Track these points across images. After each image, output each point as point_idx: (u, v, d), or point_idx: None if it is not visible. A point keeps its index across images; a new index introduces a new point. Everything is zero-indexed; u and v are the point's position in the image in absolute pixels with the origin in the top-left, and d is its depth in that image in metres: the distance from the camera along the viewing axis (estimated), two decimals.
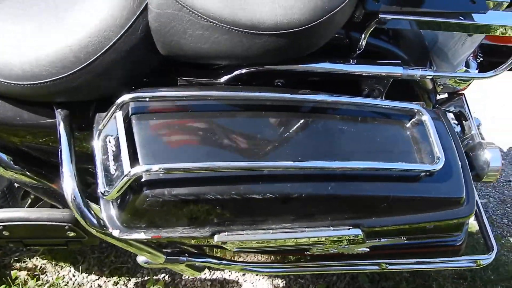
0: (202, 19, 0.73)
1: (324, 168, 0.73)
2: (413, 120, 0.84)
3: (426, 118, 0.83)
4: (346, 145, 0.78)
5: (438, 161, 0.78)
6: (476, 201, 0.96)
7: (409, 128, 0.84)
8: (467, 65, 1.07)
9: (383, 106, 0.84)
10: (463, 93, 1.14)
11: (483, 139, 1.47)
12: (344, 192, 0.76)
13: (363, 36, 0.86)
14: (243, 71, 0.85)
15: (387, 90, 1.01)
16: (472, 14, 0.87)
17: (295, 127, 0.78)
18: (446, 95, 1.17)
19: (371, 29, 0.85)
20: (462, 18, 0.87)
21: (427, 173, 0.79)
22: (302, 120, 0.79)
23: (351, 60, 0.91)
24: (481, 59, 1.12)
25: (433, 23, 0.85)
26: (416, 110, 0.83)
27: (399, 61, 0.92)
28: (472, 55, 1.11)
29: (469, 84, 1.12)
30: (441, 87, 1.12)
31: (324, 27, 0.75)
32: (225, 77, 0.87)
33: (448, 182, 0.81)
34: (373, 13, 0.82)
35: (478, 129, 1.45)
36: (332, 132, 0.79)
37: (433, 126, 0.82)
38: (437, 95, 1.16)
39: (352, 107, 0.84)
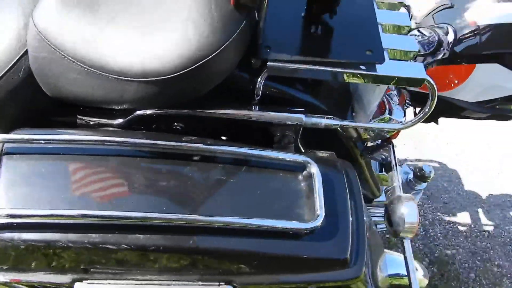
0: (74, 63, 0.73)
1: (184, 220, 0.70)
2: (303, 172, 0.81)
3: (314, 170, 0.79)
4: (219, 197, 0.75)
5: (316, 219, 0.74)
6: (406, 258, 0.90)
7: (297, 181, 0.80)
8: (391, 113, 1.03)
9: (271, 157, 0.81)
10: (392, 142, 1.09)
11: (415, 188, 1.42)
12: (212, 246, 0.73)
13: (258, 83, 0.84)
14: (137, 113, 0.85)
15: (317, 137, 0.99)
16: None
17: (167, 175, 0.76)
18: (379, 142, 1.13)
19: (265, 76, 0.84)
20: (363, 67, 0.84)
21: (306, 230, 0.74)
22: (176, 168, 0.77)
23: (254, 106, 0.89)
24: (409, 106, 1.08)
25: (327, 73, 0.82)
26: (303, 162, 0.80)
27: (303, 109, 0.89)
28: (399, 102, 1.07)
29: (397, 133, 1.08)
30: (372, 134, 1.08)
31: (198, 74, 0.74)
32: (121, 120, 0.86)
33: (332, 241, 0.76)
34: (263, 61, 0.81)
35: (426, 178, 1.39)
36: (206, 182, 0.76)
37: (320, 180, 0.78)
38: (368, 143, 1.12)
39: (240, 156, 0.81)
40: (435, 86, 0.88)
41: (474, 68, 0.95)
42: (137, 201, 0.72)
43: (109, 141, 0.76)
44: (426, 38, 1.01)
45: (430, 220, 1.78)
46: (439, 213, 1.80)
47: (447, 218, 1.79)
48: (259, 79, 0.84)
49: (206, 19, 0.73)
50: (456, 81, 0.98)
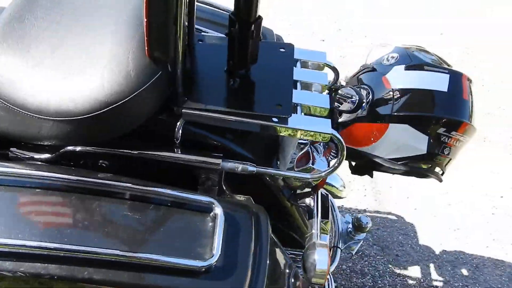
0: None
1: (80, 252, 0.75)
2: (210, 213, 0.86)
3: (218, 212, 0.84)
4: (121, 232, 0.80)
5: (211, 257, 0.78)
6: None
7: (203, 221, 0.85)
8: (313, 163, 1.08)
9: (179, 197, 0.86)
10: (317, 190, 1.14)
11: (354, 238, 1.45)
12: (107, 278, 0.76)
13: (177, 127, 0.91)
14: (67, 149, 0.91)
15: (247, 183, 1.04)
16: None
17: (75, 208, 0.81)
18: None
19: (182, 122, 0.90)
20: (275, 120, 0.91)
21: (201, 268, 0.78)
22: (85, 202, 0.82)
23: (175, 149, 0.95)
24: (334, 158, 1.13)
25: (238, 123, 0.89)
26: (208, 203, 0.85)
27: (221, 154, 0.95)
28: (323, 154, 1.13)
29: (322, 182, 1.13)
30: (298, 182, 1.13)
31: (110, 117, 0.81)
32: (50, 155, 0.93)
33: (227, 281, 0.80)
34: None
35: (363, 228, 1.43)
36: (111, 217, 0.81)
37: (222, 221, 0.82)
38: (298, 190, 1.17)
39: (150, 194, 0.86)
40: (342, 140, 0.94)
41: (388, 127, 1.02)
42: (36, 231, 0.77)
43: (26, 174, 0.82)
44: (350, 96, 1.08)
45: (381, 271, 1.79)
46: (390, 265, 1.81)
47: (398, 271, 1.80)
48: (178, 124, 0.91)
49: (122, 68, 0.81)
50: (373, 138, 1.04)
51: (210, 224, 0.84)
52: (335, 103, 1.10)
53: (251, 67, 0.95)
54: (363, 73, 1.10)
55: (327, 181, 1.42)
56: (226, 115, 0.88)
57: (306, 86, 1.02)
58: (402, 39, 1.32)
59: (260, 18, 0.86)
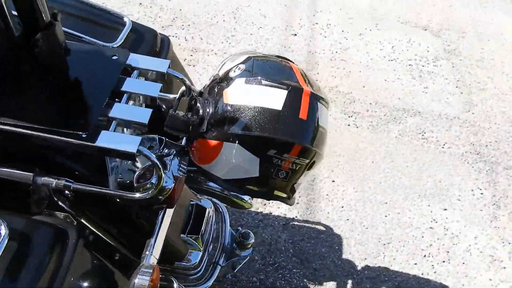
0: None
1: None
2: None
3: (3, 232, 0.80)
4: None
5: None
6: None
7: None
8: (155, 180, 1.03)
9: None
10: (172, 207, 1.08)
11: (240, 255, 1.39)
12: None
13: None
14: None
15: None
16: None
17: None
18: None
19: None
20: (84, 136, 0.86)
21: None
22: None
23: None
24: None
25: (39, 139, 0.84)
26: None
27: (33, 168, 0.91)
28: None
29: (172, 200, 1.07)
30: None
31: None
32: None
33: None
34: None
35: (244, 246, 1.37)
36: None
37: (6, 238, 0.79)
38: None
39: None
40: (153, 159, 0.89)
41: (223, 145, 0.95)
42: None
43: None
44: (194, 110, 1.02)
45: (293, 286, 1.72)
46: (305, 280, 1.75)
47: (312, 286, 1.73)
48: None
49: None
50: (211, 157, 0.98)
51: None
52: (186, 115, 1.04)
53: (69, 75, 0.90)
54: (212, 84, 1.02)
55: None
56: (27, 130, 0.84)
57: (135, 98, 0.97)
58: None
59: (52, 24, 0.81)
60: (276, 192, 0.98)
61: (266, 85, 0.94)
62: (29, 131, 0.83)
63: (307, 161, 0.95)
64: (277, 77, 0.96)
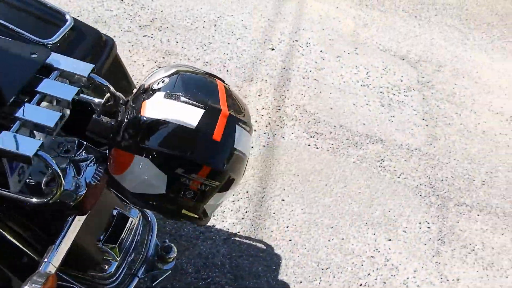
0: None
1: None
2: None
3: None
4: None
5: None
6: None
7: None
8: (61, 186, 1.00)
9: None
10: (84, 214, 1.06)
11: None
12: None
13: None
14: None
15: None
16: None
17: None
18: None
19: None
20: None
21: None
22: None
23: None
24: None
25: None
26: None
27: None
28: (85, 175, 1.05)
29: (88, 206, 1.04)
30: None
31: None
32: None
33: None
34: None
35: (166, 260, 1.34)
36: None
37: None
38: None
39: None
40: (52, 165, 0.86)
41: (133, 158, 0.93)
42: None
43: None
44: (118, 117, 1.00)
45: None
46: None
47: None
48: None
49: None
50: (122, 168, 0.96)
51: None
52: (110, 122, 1.02)
53: None
54: (138, 93, 1.01)
55: None
56: None
57: (50, 100, 0.94)
58: None
59: None
60: (185, 212, 0.96)
61: (184, 101, 0.93)
62: None
63: (217, 183, 0.93)
64: (198, 95, 0.95)
